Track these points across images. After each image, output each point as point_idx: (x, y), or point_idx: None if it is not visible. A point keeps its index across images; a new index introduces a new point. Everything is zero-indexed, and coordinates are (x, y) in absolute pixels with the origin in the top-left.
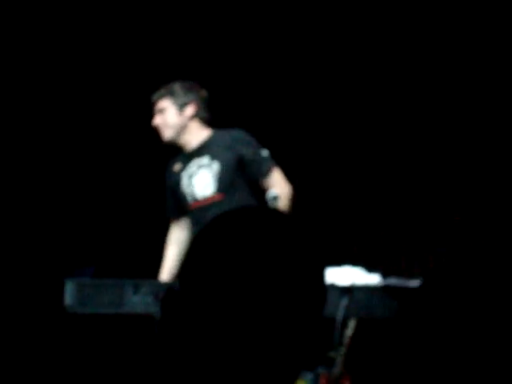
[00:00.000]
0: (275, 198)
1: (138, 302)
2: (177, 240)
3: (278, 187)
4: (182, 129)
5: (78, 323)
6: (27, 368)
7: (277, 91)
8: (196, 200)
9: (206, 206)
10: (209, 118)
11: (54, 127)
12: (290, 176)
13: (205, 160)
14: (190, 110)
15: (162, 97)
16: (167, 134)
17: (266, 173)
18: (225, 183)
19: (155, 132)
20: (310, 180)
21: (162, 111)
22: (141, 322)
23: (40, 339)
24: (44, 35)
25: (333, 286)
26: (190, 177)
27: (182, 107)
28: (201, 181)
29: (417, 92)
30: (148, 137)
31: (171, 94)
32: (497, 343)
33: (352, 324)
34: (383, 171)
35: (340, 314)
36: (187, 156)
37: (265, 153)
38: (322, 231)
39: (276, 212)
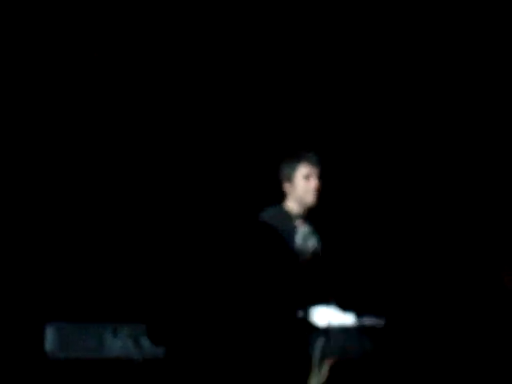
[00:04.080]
0: None
1: (118, 346)
2: None
3: None
4: None
5: (59, 369)
6: None
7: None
8: None
9: None
10: None
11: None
12: None
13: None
14: None
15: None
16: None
17: None
18: None
19: None
20: None
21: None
22: (121, 366)
23: None
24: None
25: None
26: None
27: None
28: None
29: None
30: None
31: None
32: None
33: (326, 365)
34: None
35: (316, 354)
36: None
37: None
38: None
39: None
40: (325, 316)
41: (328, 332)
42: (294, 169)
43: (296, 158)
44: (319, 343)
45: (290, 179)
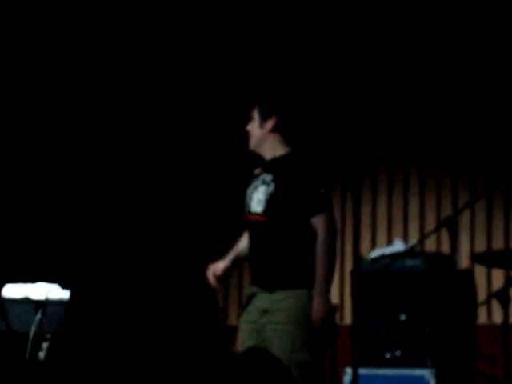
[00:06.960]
0: None
1: None
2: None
3: (320, 231)
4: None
5: None
6: None
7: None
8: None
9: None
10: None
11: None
12: None
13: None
14: (270, 123)
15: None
16: (250, 143)
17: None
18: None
19: None
20: None
21: (251, 119)
22: None
23: None
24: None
25: (27, 300)
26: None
27: (264, 120)
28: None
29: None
30: None
31: (259, 103)
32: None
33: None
34: None
35: (33, 329)
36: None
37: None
38: None
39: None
40: (44, 290)
41: (46, 306)
42: None
43: None
44: (37, 317)
45: None
